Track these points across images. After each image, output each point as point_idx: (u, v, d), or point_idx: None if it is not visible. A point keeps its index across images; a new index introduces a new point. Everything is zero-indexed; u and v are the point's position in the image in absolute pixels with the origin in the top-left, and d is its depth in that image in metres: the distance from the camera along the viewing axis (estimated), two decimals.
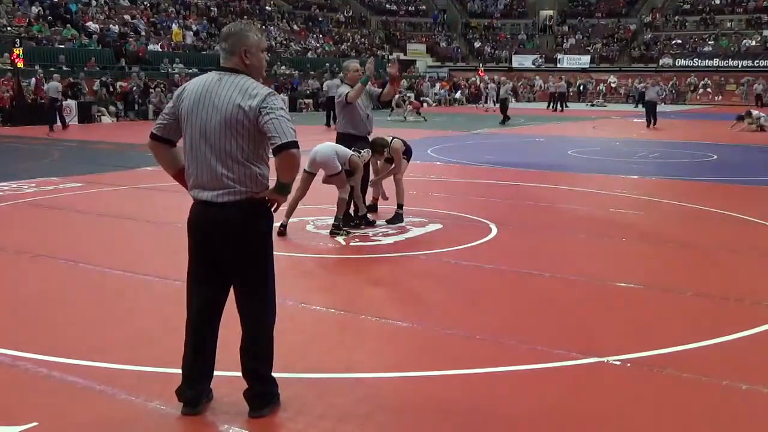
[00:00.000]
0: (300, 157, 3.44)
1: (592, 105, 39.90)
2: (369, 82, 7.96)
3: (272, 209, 3.59)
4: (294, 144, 3.37)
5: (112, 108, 25.77)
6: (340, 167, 7.70)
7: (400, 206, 8.37)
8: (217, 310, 3.62)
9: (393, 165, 8.62)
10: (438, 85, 41.93)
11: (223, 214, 3.44)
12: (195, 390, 3.61)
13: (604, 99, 41.27)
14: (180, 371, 3.65)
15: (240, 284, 3.57)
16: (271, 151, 3.43)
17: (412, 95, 32.55)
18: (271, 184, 3.52)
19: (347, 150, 7.87)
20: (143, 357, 4.30)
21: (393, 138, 8.63)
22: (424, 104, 33.21)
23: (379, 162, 8.74)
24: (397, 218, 8.29)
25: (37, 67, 25.06)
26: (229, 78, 3.46)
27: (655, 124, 24.76)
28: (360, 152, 8.03)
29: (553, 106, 35.03)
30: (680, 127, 25.60)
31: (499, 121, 26.04)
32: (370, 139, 8.35)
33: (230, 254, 3.50)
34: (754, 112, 23.45)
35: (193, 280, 3.60)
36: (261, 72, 3.58)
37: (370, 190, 8.82)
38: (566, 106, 35.34)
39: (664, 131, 23.57)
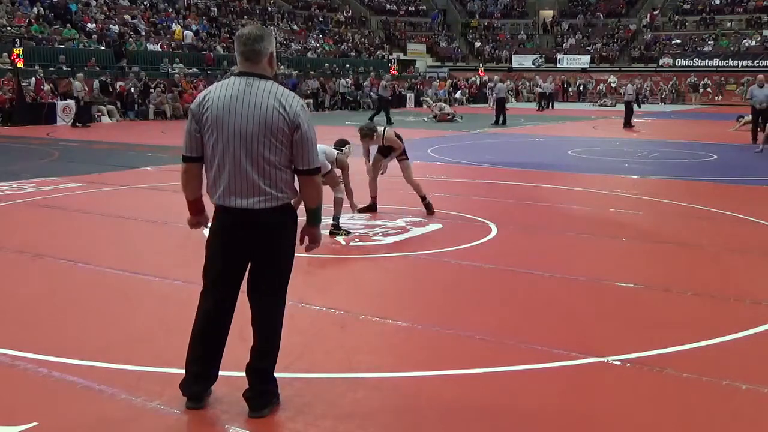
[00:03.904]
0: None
1: (600, 105, 39.47)
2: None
3: (301, 244, 3.70)
4: (318, 171, 3.55)
5: (112, 108, 25.73)
6: (330, 166, 7.78)
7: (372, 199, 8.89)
8: (232, 309, 3.64)
9: (386, 158, 8.84)
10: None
11: (263, 221, 3.47)
12: (201, 386, 3.63)
13: (608, 98, 40.80)
14: (180, 370, 3.65)
15: (265, 286, 3.59)
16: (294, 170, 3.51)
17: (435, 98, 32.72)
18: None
19: (333, 149, 8.02)
20: (143, 357, 4.30)
21: (384, 128, 9.00)
22: (424, 104, 33.21)
23: (370, 147, 8.93)
24: (370, 208, 8.82)
25: (37, 67, 25.04)
26: (260, 83, 3.44)
27: (625, 125, 24.25)
28: (342, 149, 8.27)
29: (542, 106, 35.76)
30: (680, 127, 25.60)
31: (492, 123, 25.59)
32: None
33: (264, 258, 3.55)
34: (747, 116, 23.36)
35: (212, 284, 3.61)
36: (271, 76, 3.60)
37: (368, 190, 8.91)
38: (544, 107, 35.57)
39: (665, 131, 23.55)
